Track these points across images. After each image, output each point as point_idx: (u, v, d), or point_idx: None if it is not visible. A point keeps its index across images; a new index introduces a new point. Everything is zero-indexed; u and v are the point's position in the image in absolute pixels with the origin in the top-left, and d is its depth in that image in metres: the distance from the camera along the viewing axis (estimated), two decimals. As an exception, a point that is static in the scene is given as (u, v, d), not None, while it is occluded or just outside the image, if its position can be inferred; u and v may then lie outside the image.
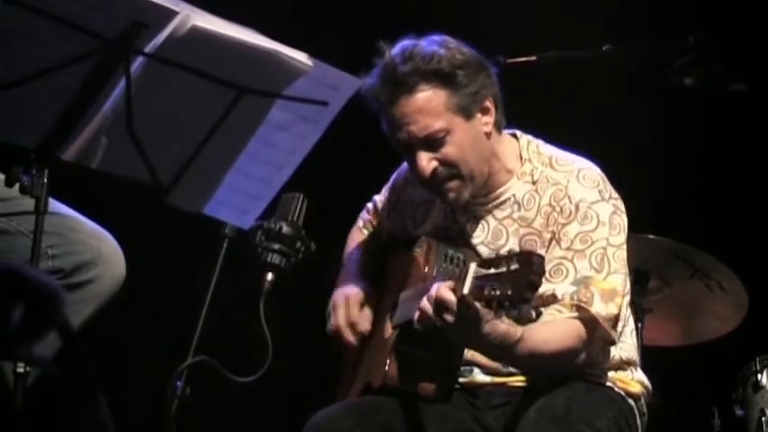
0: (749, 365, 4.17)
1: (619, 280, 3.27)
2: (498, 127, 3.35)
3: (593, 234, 3.26)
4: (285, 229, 3.33)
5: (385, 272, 3.55)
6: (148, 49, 2.61)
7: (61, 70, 2.60)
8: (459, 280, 2.97)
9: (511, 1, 4.99)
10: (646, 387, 3.44)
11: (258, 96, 2.74)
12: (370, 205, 3.70)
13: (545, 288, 3.20)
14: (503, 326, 3.04)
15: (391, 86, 3.24)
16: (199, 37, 2.60)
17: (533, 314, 3.13)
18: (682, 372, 4.67)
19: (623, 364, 3.40)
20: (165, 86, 2.69)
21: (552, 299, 3.23)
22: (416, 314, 3.06)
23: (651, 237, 4.32)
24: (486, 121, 3.31)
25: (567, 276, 3.24)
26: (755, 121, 4.98)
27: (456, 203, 3.35)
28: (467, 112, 3.27)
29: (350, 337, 3.46)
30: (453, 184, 3.29)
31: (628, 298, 3.43)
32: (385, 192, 3.65)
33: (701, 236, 4.41)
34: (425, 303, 3.01)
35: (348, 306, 3.48)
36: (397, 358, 3.28)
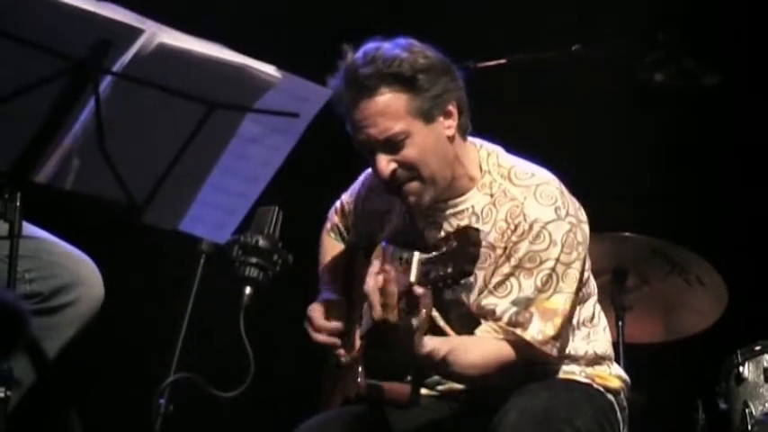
0: (731, 358, 4.16)
1: (562, 299, 3.25)
2: (463, 131, 3.34)
3: (543, 254, 3.23)
4: (262, 242, 3.32)
5: (353, 283, 3.55)
6: (116, 67, 2.60)
7: (29, 92, 2.59)
8: (407, 270, 3.01)
9: (479, 4, 4.98)
10: (624, 381, 3.45)
11: (229, 111, 2.73)
12: (336, 206, 3.69)
13: (488, 301, 3.24)
14: (430, 342, 3.10)
15: (353, 89, 3.24)
16: (166, 54, 2.60)
17: None
18: (665, 367, 4.68)
19: (599, 359, 3.41)
20: (135, 105, 2.68)
21: (491, 314, 3.24)
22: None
23: (628, 234, 4.33)
24: (448, 125, 3.29)
25: (510, 293, 3.24)
26: (731, 115, 4.99)
27: (417, 206, 3.33)
28: (428, 116, 3.25)
29: (324, 339, 3.49)
30: (413, 186, 3.28)
31: (595, 298, 3.44)
32: (349, 198, 3.64)
33: (677, 231, 4.43)
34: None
35: (312, 318, 3.51)
36: (367, 368, 3.28)
